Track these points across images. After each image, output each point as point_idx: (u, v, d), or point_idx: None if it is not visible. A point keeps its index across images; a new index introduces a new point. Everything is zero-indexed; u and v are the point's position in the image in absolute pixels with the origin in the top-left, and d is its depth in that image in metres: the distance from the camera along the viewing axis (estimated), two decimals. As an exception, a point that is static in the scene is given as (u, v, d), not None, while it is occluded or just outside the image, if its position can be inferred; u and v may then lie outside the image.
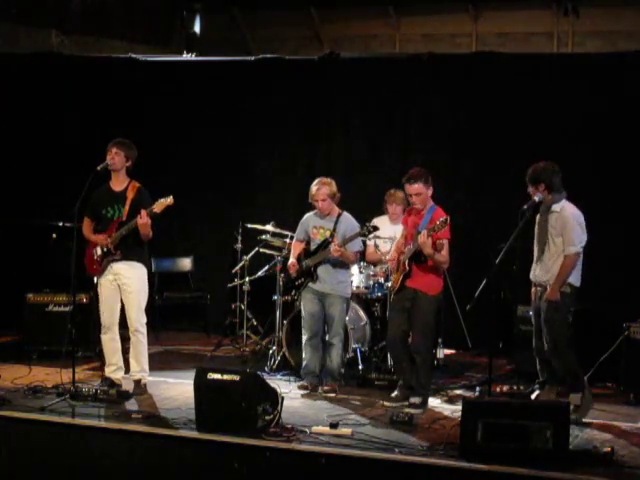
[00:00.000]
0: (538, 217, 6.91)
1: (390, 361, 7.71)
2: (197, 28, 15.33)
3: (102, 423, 6.40)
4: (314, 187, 7.52)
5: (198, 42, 14.89)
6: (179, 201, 7.24)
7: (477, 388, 7.60)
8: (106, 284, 7.31)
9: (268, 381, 6.51)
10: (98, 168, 7.17)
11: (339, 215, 7.58)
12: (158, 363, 8.21)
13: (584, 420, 6.61)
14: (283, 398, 6.37)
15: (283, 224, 8.72)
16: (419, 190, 6.99)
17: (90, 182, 7.04)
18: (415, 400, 7.00)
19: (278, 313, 8.37)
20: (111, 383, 7.28)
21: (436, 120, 9.55)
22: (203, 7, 15.28)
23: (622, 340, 7.52)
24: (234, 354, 8.94)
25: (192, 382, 6.35)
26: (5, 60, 10.62)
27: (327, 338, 7.56)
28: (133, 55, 10.65)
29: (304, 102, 10.03)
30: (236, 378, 6.22)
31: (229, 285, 9.51)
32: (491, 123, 9.31)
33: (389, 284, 7.66)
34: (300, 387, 7.48)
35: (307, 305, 7.58)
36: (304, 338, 7.56)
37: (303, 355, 7.59)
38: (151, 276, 7.86)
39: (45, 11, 12.57)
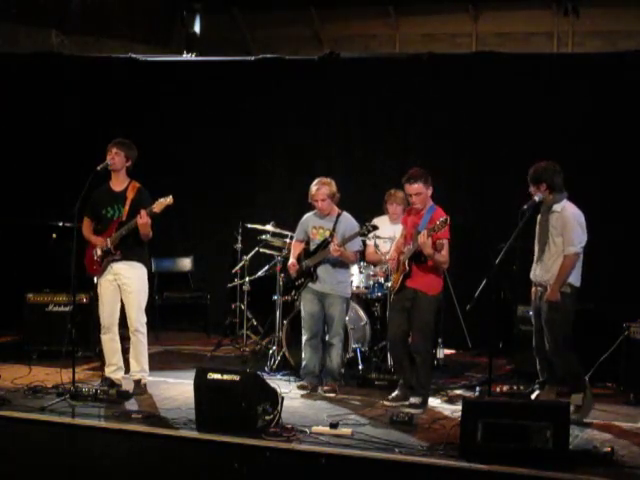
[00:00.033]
0: (539, 217, 6.91)
1: (390, 361, 7.71)
2: (197, 28, 15.33)
3: (102, 423, 6.40)
4: (314, 187, 7.52)
5: (198, 42, 14.89)
6: (179, 201, 7.24)
7: (477, 388, 7.60)
8: (106, 284, 7.31)
9: (268, 381, 6.51)
10: (98, 168, 7.17)
11: (338, 215, 7.58)
12: (158, 363, 8.22)
13: (584, 420, 6.61)
14: (283, 398, 6.37)
15: (283, 224, 8.72)
16: (419, 190, 6.99)
17: (90, 182, 7.04)
18: (415, 400, 7.00)
19: (278, 313, 8.37)
20: (111, 383, 7.28)
21: (436, 120, 9.55)
22: (203, 7, 15.27)
23: (622, 340, 7.52)
24: (234, 354, 8.94)
25: (192, 382, 6.35)
26: (5, 60, 10.63)
27: (327, 338, 7.56)
28: (133, 55, 10.65)
29: (304, 102, 10.03)
30: (236, 378, 6.22)
31: (229, 285, 9.51)
32: (491, 123, 9.32)
33: (389, 284, 7.66)
34: (299, 387, 7.48)
35: (307, 305, 7.58)
36: (304, 338, 7.56)
37: (303, 355, 7.59)
38: (151, 276, 7.86)
39: (45, 11, 12.57)
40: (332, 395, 7.37)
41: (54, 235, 9.31)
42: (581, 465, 5.55)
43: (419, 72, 9.62)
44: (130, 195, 7.25)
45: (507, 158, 9.19)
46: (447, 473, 5.59)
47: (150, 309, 7.82)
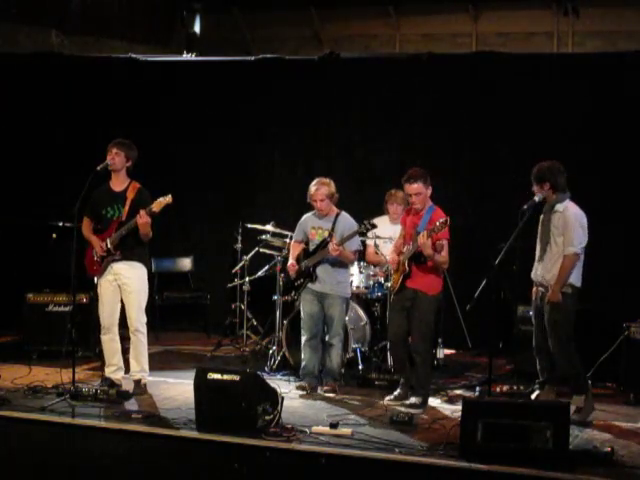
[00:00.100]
0: (541, 216, 6.91)
1: (390, 361, 7.70)
2: (197, 28, 15.33)
3: (102, 423, 6.38)
4: (313, 187, 7.52)
5: (198, 42, 14.89)
6: (179, 201, 7.25)
7: (477, 388, 7.59)
8: (106, 284, 7.31)
9: (268, 381, 6.50)
10: (98, 168, 7.16)
11: (337, 215, 7.58)
12: (158, 363, 8.21)
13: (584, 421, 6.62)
14: (283, 398, 6.36)
15: (283, 224, 8.72)
16: (419, 190, 6.99)
17: (90, 182, 7.03)
18: (415, 400, 7.00)
19: (278, 313, 8.37)
20: (111, 383, 7.27)
21: (436, 120, 9.55)
22: (203, 7, 15.27)
23: (622, 340, 7.53)
24: (234, 354, 8.94)
25: (192, 382, 6.35)
26: (5, 60, 10.62)
27: (327, 339, 7.55)
28: (133, 55, 10.65)
29: (304, 102, 10.03)
30: (236, 378, 6.22)
31: (229, 285, 9.51)
32: (491, 123, 9.32)
33: (389, 284, 7.66)
34: (299, 388, 7.46)
35: (306, 306, 7.57)
36: (303, 339, 7.56)
37: (302, 356, 7.58)
38: (151, 276, 7.86)
39: (45, 11, 12.57)
40: (332, 395, 7.36)
41: (54, 235, 9.30)
42: (581, 465, 5.54)
43: (419, 72, 9.62)
44: (130, 195, 7.25)
45: (507, 158, 9.20)
46: (447, 473, 5.59)
47: (150, 309, 7.82)
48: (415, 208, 7.10)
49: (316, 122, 10.06)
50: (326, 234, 7.52)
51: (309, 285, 7.55)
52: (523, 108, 9.11)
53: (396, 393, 7.18)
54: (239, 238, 9.26)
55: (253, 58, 10.51)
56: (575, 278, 6.74)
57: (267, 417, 6.20)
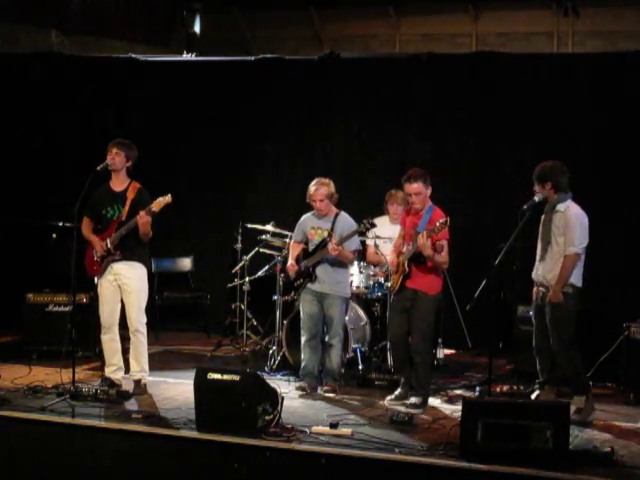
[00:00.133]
0: (543, 216, 6.91)
1: (390, 361, 7.70)
2: (197, 28, 15.34)
3: (102, 423, 6.39)
4: (312, 187, 7.52)
5: (198, 42, 14.90)
6: (179, 201, 7.25)
7: (477, 388, 7.59)
8: (106, 284, 7.31)
9: (268, 381, 6.50)
10: (98, 168, 7.16)
11: (336, 215, 7.57)
12: (158, 363, 8.21)
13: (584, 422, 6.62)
14: (283, 398, 6.36)
15: (283, 224, 8.71)
16: (418, 189, 6.98)
17: (90, 182, 7.03)
18: (415, 400, 7.00)
19: (278, 313, 8.37)
20: (111, 383, 7.27)
21: (436, 120, 9.55)
22: (203, 7, 15.28)
23: (622, 340, 7.53)
24: (234, 354, 8.93)
25: (192, 382, 6.35)
26: (5, 60, 10.62)
27: (326, 339, 7.55)
28: (133, 55, 10.65)
29: (304, 102, 10.03)
30: (236, 378, 6.22)
31: (229, 285, 9.51)
32: (491, 123, 9.32)
33: (389, 284, 7.66)
34: (298, 388, 7.45)
35: (306, 306, 7.57)
36: (303, 339, 7.55)
37: (302, 356, 7.58)
38: (151, 276, 7.86)
39: (45, 11, 12.57)
40: (332, 395, 7.36)
41: (54, 235, 9.30)
42: (581, 465, 5.54)
43: (419, 72, 9.62)
44: (130, 195, 7.25)
45: (507, 158, 9.20)
46: (447, 473, 5.59)
47: (150, 309, 7.82)
48: (415, 208, 7.10)
49: (316, 122, 10.05)
50: (325, 234, 7.51)
51: (308, 285, 7.55)
52: (523, 108, 9.11)
53: (397, 393, 7.18)
54: (239, 238, 9.26)
55: (253, 58, 10.50)
56: (576, 278, 6.75)
57: (267, 417, 6.20)
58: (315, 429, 6.20)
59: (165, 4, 15.05)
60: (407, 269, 7.01)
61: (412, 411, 6.78)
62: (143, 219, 7.02)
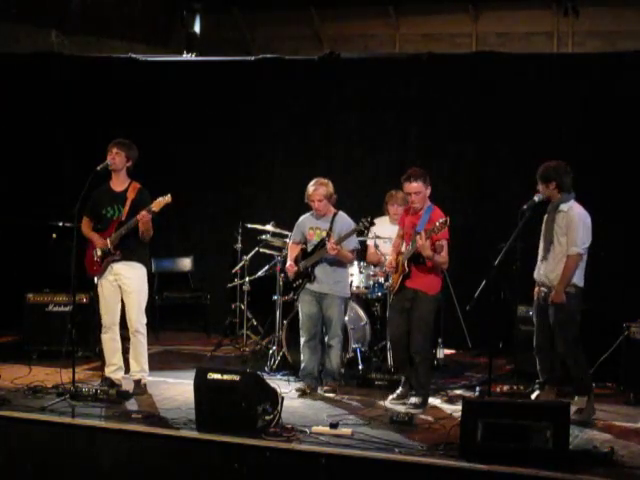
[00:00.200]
0: (545, 216, 6.91)
1: (390, 361, 7.70)
2: (197, 28, 15.31)
3: (102, 423, 6.39)
4: (311, 187, 7.51)
5: (198, 42, 14.88)
6: (179, 201, 7.25)
7: (477, 388, 7.59)
8: (107, 284, 7.31)
9: (268, 381, 6.50)
10: (98, 168, 7.17)
11: (335, 215, 7.57)
12: (158, 363, 8.22)
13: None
14: (283, 398, 6.36)
15: (283, 224, 8.71)
16: (418, 189, 6.98)
17: (90, 182, 7.04)
18: (415, 400, 7.00)
19: (278, 313, 8.37)
20: (111, 383, 7.27)
21: (436, 120, 9.55)
22: (203, 7, 15.26)
23: (622, 340, 7.53)
24: (234, 354, 8.94)
25: (192, 382, 6.35)
26: (5, 60, 10.62)
27: (326, 340, 7.54)
28: (133, 55, 10.65)
29: (304, 102, 10.03)
30: (236, 378, 6.22)
31: (229, 285, 9.51)
32: (491, 123, 9.32)
33: (389, 284, 7.65)
34: (298, 390, 7.42)
35: (305, 307, 7.56)
36: (302, 340, 7.54)
37: (301, 357, 7.57)
38: (151, 276, 7.87)
39: (45, 11, 12.57)
40: (332, 395, 7.36)
41: (54, 235, 9.31)
42: (581, 465, 5.55)
43: (419, 72, 9.62)
44: (131, 195, 7.26)
45: (507, 158, 9.20)
46: (447, 473, 5.59)
47: (150, 309, 7.82)
48: (414, 207, 7.10)
49: (316, 122, 10.05)
50: (324, 234, 7.50)
51: (307, 285, 7.54)
52: (523, 108, 9.11)
53: (398, 392, 7.19)
54: (239, 238, 9.26)
55: (253, 58, 10.51)
56: (578, 278, 6.74)
57: (267, 417, 6.20)
58: (315, 429, 6.20)
59: (165, 4, 15.04)
60: (407, 269, 7.01)
61: (412, 411, 6.78)
62: (144, 218, 7.02)
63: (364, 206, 8.79)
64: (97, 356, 8.22)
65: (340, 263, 7.52)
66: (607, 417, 6.85)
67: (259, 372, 6.98)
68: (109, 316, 7.33)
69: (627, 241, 8.65)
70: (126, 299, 7.29)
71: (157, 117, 10.26)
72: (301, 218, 7.75)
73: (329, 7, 14.78)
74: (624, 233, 8.65)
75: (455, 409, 6.84)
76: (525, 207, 6.65)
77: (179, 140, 10.25)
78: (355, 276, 8.20)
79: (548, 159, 6.89)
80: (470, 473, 5.54)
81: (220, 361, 8.62)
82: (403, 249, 7.17)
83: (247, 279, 9.05)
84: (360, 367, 7.95)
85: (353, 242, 7.54)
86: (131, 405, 6.92)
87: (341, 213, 7.61)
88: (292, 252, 7.77)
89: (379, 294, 8.29)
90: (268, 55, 10.36)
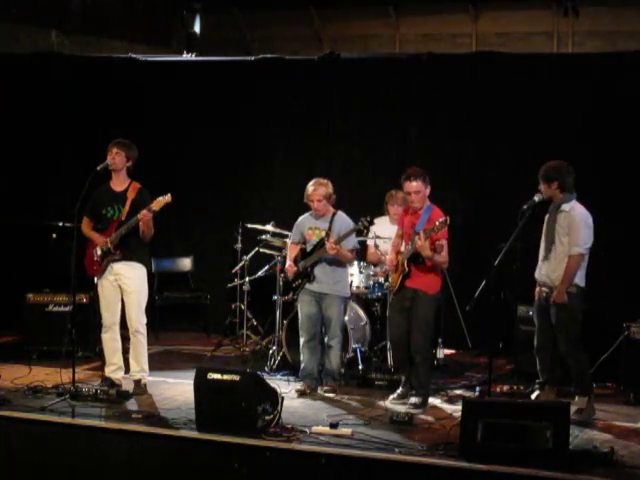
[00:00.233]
0: (547, 216, 6.90)
1: (390, 361, 7.70)
2: (197, 28, 15.34)
3: (102, 423, 6.39)
4: (310, 187, 7.51)
5: (198, 42, 14.91)
6: (179, 201, 7.24)
7: (477, 388, 7.59)
8: (107, 284, 7.31)
9: (268, 381, 6.50)
10: (98, 168, 7.17)
11: (334, 214, 7.56)
12: (158, 363, 8.22)
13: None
14: (283, 398, 6.37)
15: (283, 224, 8.71)
16: (418, 188, 6.98)
17: (90, 182, 7.04)
18: (415, 400, 7.00)
19: (278, 313, 8.37)
20: (111, 383, 7.28)
21: (436, 120, 9.54)
22: (203, 7, 15.29)
23: (622, 340, 7.53)
24: (234, 354, 8.94)
25: (192, 382, 6.35)
26: (5, 60, 10.62)
27: (326, 340, 7.54)
28: (133, 55, 10.65)
29: (304, 102, 10.03)
30: (236, 378, 6.22)
31: (229, 285, 9.51)
32: (491, 123, 9.31)
33: (388, 283, 7.65)
34: (297, 390, 7.41)
35: (304, 307, 7.56)
36: (302, 340, 7.54)
37: (301, 357, 7.57)
38: (151, 276, 7.87)
39: (45, 11, 12.58)
40: (332, 395, 7.36)
41: (54, 235, 9.31)
42: (581, 465, 5.55)
43: (419, 72, 9.62)
44: (131, 195, 7.26)
45: (507, 158, 9.19)
46: (447, 473, 5.59)
47: (150, 309, 7.83)
48: (413, 207, 7.10)
49: (316, 122, 10.05)
50: (323, 234, 7.49)
51: (307, 286, 7.53)
52: (523, 108, 9.10)
53: (399, 391, 7.19)
54: (239, 238, 9.26)
55: (253, 58, 10.50)
56: (579, 278, 6.74)
57: (267, 417, 6.20)
58: (315, 429, 6.20)
59: (165, 4, 15.06)
60: (406, 269, 7.01)
61: (412, 411, 6.78)
62: (145, 217, 7.02)
63: (364, 206, 8.77)
64: (97, 356, 8.22)
65: (339, 263, 7.51)
66: (607, 417, 6.85)
67: (259, 372, 6.98)
68: (109, 316, 7.33)
69: (627, 241, 8.65)
70: (126, 299, 7.29)
71: (157, 117, 10.26)
72: (300, 218, 7.74)
73: (329, 7, 14.80)
74: (624, 233, 8.65)
75: (455, 409, 6.84)
76: (525, 207, 6.65)
77: (179, 140, 10.25)
78: (355, 276, 8.20)
79: (548, 159, 6.89)
80: (470, 473, 5.54)
81: (220, 361, 8.61)
82: (402, 249, 7.16)
83: (247, 279, 9.05)
84: (360, 367, 7.95)
85: (352, 242, 7.53)
86: (131, 405, 6.92)
87: (340, 213, 7.61)
88: (291, 252, 7.77)
89: (379, 294, 8.29)
90: (268, 55, 10.36)
